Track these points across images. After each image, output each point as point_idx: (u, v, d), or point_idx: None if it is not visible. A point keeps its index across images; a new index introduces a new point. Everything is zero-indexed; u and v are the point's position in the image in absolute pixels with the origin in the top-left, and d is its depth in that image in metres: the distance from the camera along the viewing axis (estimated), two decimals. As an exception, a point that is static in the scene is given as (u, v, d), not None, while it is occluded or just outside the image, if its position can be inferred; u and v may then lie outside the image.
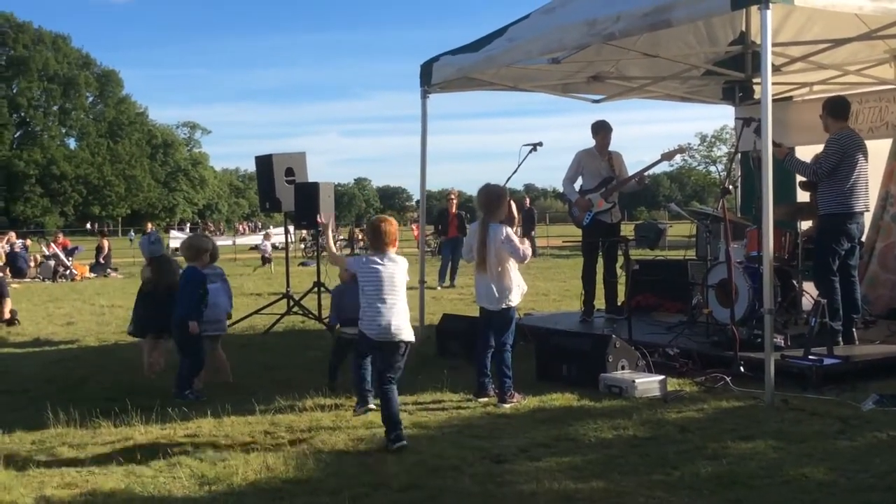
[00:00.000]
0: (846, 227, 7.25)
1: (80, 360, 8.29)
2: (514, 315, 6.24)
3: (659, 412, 5.66)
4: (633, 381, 6.10)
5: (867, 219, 8.16)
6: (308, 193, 10.01)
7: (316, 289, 10.21)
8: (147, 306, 7.14)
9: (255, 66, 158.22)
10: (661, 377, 6.27)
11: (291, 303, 10.32)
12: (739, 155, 11.27)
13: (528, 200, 30.08)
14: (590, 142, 9.32)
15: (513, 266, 6.13)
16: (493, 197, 6.16)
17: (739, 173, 11.23)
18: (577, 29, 7.24)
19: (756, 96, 11.00)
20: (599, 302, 9.46)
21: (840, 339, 7.03)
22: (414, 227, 34.10)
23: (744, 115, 8.05)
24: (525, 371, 6.69)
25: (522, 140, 8.34)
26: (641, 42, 8.91)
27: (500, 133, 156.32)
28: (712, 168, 56.13)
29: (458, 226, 16.53)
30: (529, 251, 6.23)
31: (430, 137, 9.31)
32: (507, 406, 5.93)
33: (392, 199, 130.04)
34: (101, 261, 22.72)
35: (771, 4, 5.78)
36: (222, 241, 30.86)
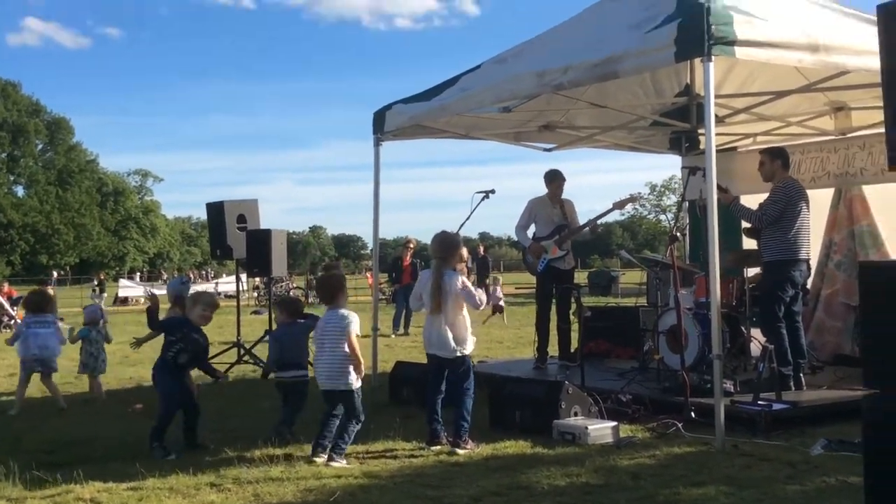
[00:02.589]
0: (790, 273, 7.40)
1: (22, 412, 8.03)
2: (470, 362, 6.22)
3: (612, 459, 5.65)
4: (586, 428, 6.10)
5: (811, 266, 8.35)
6: (260, 240, 9.95)
7: (267, 337, 10.06)
8: None
9: (209, 113, 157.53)
10: (614, 423, 6.27)
11: (242, 351, 10.17)
12: (686, 203, 11.56)
13: (482, 248, 30.22)
14: (541, 189, 9.43)
15: (466, 315, 6.14)
16: (447, 244, 6.19)
17: (687, 221, 11.44)
18: (527, 79, 7.37)
19: (702, 146, 11.28)
20: (553, 349, 9.48)
21: (790, 383, 7.12)
22: (368, 274, 33.99)
23: (690, 165, 8.22)
24: (478, 418, 6.63)
25: (477, 188, 8.46)
26: (590, 92, 9.10)
27: (455, 181, 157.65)
28: (662, 217, 57.41)
29: (412, 273, 16.49)
30: (484, 297, 6.26)
31: (384, 186, 9.36)
32: (462, 452, 5.88)
33: (347, 247, 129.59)
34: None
35: (713, 57, 5.93)
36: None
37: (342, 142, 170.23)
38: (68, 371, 9.50)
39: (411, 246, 17.51)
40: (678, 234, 7.35)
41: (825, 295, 9.51)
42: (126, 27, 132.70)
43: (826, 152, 9.89)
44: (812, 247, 7.92)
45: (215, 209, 10.39)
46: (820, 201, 9.18)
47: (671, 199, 51.06)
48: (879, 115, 9.29)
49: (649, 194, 69.29)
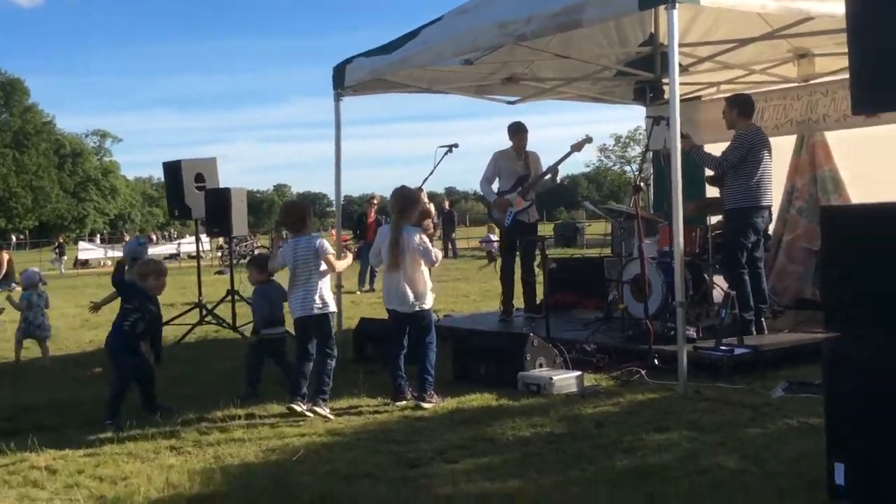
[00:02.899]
0: (752, 220, 7.42)
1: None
2: (431, 316, 6.18)
3: (576, 408, 5.67)
4: (551, 379, 6.10)
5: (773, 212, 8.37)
6: (219, 200, 9.75)
7: (230, 297, 9.94)
8: None
9: (167, 73, 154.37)
10: (578, 373, 6.29)
11: (204, 312, 10.03)
12: (650, 154, 11.54)
13: (447, 203, 30.13)
14: (505, 144, 9.33)
15: (425, 269, 6.08)
16: (406, 200, 6.11)
17: (651, 172, 11.43)
18: (489, 30, 7.24)
19: (666, 96, 11.21)
20: (519, 301, 9.47)
21: (752, 328, 7.18)
22: (332, 231, 33.79)
23: (654, 115, 8.16)
24: (442, 372, 6.61)
25: (440, 142, 8.36)
26: (554, 43, 8.96)
27: (418, 137, 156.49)
28: (627, 168, 57.53)
29: (376, 230, 16.35)
30: (440, 254, 6.17)
31: (347, 143, 9.26)
32: (427, 406, 5.86)
33: (313, 204, 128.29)
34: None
35: (678, 4, 5.85)
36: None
37: (305, 98, 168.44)
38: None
39: (375, 202, 17.36)
40: (642, 184, 7.31)
41: (787, 240, 9.58)
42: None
43: (789, 99, 9.90)
44: (774, 193, 7.92)
45: (172, 168, 10.15)
46: (783, 148, 9.19)
47: (636, 150, 51.35)
48: (842, 62, 9.32)
49: (614, 145, 69.36)
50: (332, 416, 5.67)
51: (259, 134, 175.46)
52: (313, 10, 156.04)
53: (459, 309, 11.80)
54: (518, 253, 9.23)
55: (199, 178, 10.07)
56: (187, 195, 9.94)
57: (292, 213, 6.20)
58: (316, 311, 5.85)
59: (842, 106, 9.41)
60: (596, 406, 5.70)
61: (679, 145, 6.06)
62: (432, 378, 6.05)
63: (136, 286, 6.07)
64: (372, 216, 16.79)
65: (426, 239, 6.09)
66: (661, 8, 8.59)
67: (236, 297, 9.86)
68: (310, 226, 6.12)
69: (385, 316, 6.44)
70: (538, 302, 9.41)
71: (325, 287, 5.92)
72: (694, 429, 5.01)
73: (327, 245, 5.91)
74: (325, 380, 5.83)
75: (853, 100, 3.86)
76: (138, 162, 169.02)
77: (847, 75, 9.19)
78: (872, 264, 3.73)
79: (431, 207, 6.64)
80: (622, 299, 7.85)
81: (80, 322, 11.60)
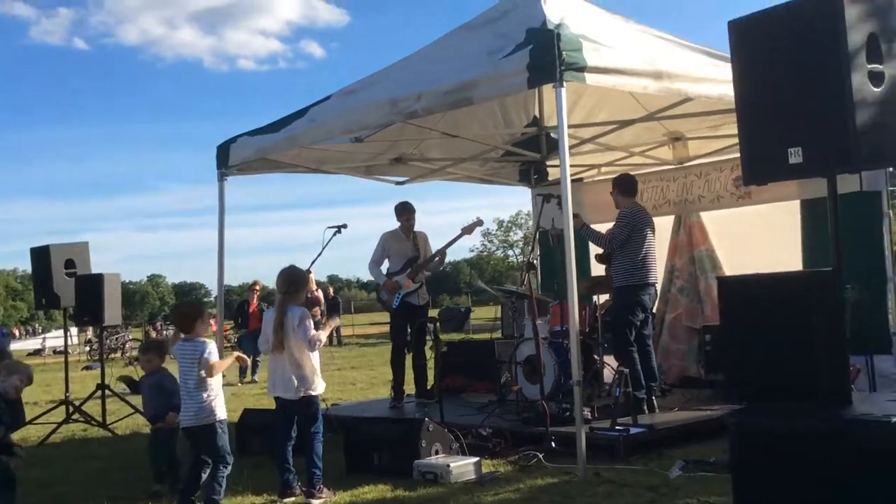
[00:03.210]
0: (640, 297, 7.50)
1: None
2: (319, 404, 5.86)
3: (475, 496, 5.43)
4: (448, 466, 5.85)
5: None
6: (91, 286, 9.17)
7: (100, 392, 9.26)
8: None
9: (37, 160, 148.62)
10: (476, 459, 6.06)
11: (71, 409, 9.29)
12: (538, 234, 11.69)
13: (332, 290, 29.71)
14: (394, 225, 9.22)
15: (314, 353, 5.78)
16: (293, 280, 5.84)
17: (538, 251, 11.55)
18: (379, 108, 7.18)
19: (550, 177, 11.47)
20: (409, 387, 9.23)
21: (644, 407, 7.17)
22: (212, 321, 32.64)
23: (544, 193, 8.24)
24: (333, 464, 6.26)
25: (328, 225, 8.15)
26: (442, 123, 9.04)
27: (303, 224, 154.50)
28: (510, 252, 58.44)
29: (259, 318, 15.85)
30: (323, 337, 5.85)
31: (229, 231, 8.87)
32: (316, 502, 5.50)
33: (189, 294, 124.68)
34: None
35: (565, 83, 5.93)
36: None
37: (183, 186, 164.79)
38: None
39: (257, 289, 16.84)
40: (534, 261, 7.29)
41: (669, 319, 9.75)
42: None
43: (666, 181, 10.25)
44: (658, 272, 8.08)
45: (40, 254, 9.50)
46: (663, 228, 9.44)
47: (518, 234, 52.38)
48: (714, 145, 9.81)
49: (497, 229, 70.56)
50: None
51: (132, 223, 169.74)
52: (191, 96, 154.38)
53: (346, 397, 11.43)
54: (409, 337, 9.03)
55: (70, 263, 9.46)
56: (56, 282, 9.29)
57: (183, 313, 5.77)
58: (203, 422, 5.42)
59: (715, 187, 9.82)
60: (496, 493, 5.47)
61: (571, 223, 6.05)
62: (321, 471, 5.69)
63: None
64: (254, 304, 16.25)
65: (309, 320, 5.78)
66: (548, 88, 9.08)
67: (107, 392, 9.19)
68: (202, 328, 5.60)
69: (271, 406, 6.09)
70: (429, 387, 9.21)
71: (215, 391, 5.49)
72: (597, 512, 4.86)
73: (211, 353, 5.46)
74: (217, 488, 5.40)
75: (744, 173, 3.93)
76: (1, 253, 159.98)
77: (719, 157, 9.74)
78: (771, 333, 3.74)
79: (320, 294, 6.37)
80: (515, 381, 7.73)
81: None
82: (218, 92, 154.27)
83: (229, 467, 5.48)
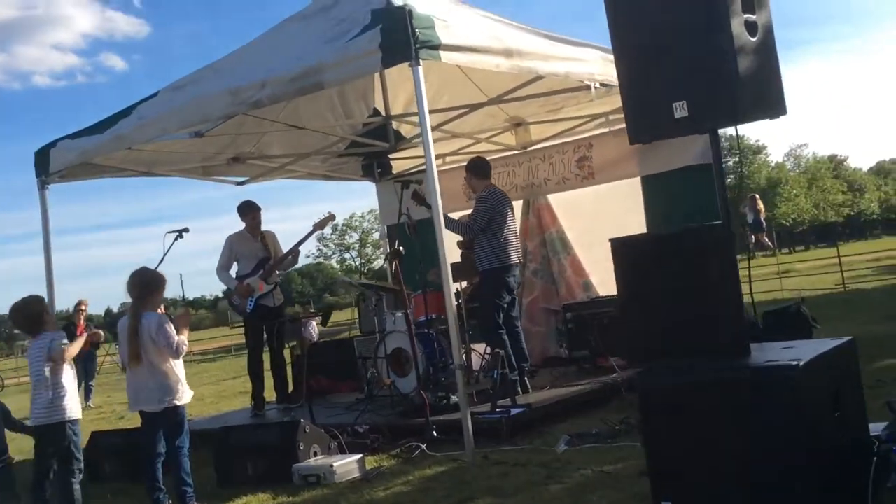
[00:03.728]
0: (505, 279, 7.46)
1: None
2: (185, 414, 5.38)
3: (366, 493, 5.17)
4: (331, 466, 5.55)
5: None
6: None
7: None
8: None
9: None
10: (359, 456, 5.78)
11: None
12: (386, 228, 11.50)
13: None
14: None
15: (177, 360, 5.32)
16: (144, 281, 5.34)
17: (388, 247, 11.36)
18: (220, 99, 6.74)
19: (394, 170, 11.33)
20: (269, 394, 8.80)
21: (517, 388, 7.13)
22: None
23: (403, 180, 8.02)
24: (203, 480, 5.80)
25: (167, 230, 7.51)
26: (283, 116, 8.67)
27: (131, 243, 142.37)
28: (347, 255, 57.48)
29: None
30: (186, 344, 5.39)
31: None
32: (193, 520, 5.05)
33: (3, 324, 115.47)
34: None
35: (421, 61, 5.77)
36: None
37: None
38: None
39: (83, 309, 15.62)
40: (400, 248, 7.07)
41: (526, 303, 9.82)
42: None
43: (511, 166, 10.33)
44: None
45: None
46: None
47: (354, 237, 51.61)
48: (555, 128, 9.98)
49: (332, 233, 69.44)
50: None
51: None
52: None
53: (198, 413, 10.76)
54: (266, 340, 8.61)
55: None
56: None
57: (27, 312, 5.31)
58: (55, 419, 5.07)
59: (559, 169, 9.99)
60: (387, 488, 5.23)
61: (440, 206, 5.90)
62: (192, 488, 5.24)
63: None
64: (81, 325, 15.06)
65: (169, 325, 5.29)
66: (390, 75, 8.91)
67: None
68: (50, 324, 5.29)
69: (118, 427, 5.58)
70: (289, 391, 8.83)
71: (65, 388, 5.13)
72: (497, 495, 4.73)
73: (59, 343, 5.12)
74: (74, 494, 5.02)
75: (630, 131, 3.90)
76: None
77: (561, 140, 9.90)
78: (666, 291, 3.73)
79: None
80: (388, 375, 7.50)
81: None
82: (11, 111, 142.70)
83: (82, 474, 5.14)
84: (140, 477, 5.51)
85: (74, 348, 5.23)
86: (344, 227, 68.86)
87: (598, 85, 7.21)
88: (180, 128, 7.22)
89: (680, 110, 3.68)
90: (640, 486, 4.44)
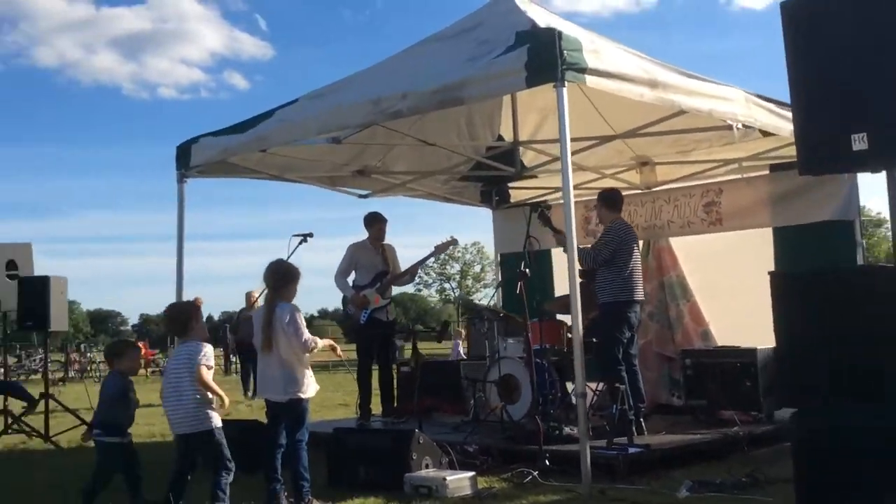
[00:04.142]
0: (627, 314, 7.31)
1: None
2: (307, 408, 5.43)
3: (479, 512, 5.08)
4: (444, 480, 5.48)
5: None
6: (35, 289, 8.52)
7: (42, 401, 8.57)
8: None
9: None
10: (472, 473, 5.71)
11: (10, 420, 8.56)
12: (499, 256, 11.48)
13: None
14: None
15: (303, 352, 5.37)
16: (281, 272, 5.45)
17: (499, 276, 11.34)
18: (361, 108, 6.87)
19: (512, 199, 11.32)
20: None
21: (633, 427, 6.93)
22: (142, 345, 31.44)
23: (531, 204, 7.95)
24: (313, 477, 5.80)
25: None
26: (412, 133, 8.79)
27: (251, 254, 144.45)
28: (447, 285, 56.97)
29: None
30: (316, 342, 5.45)
31: (159, 258, 8.34)
32: (308, 516, 5.07)
33: (105, 322, 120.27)
34: None
35: (566, 83, 5.75)
36: None
37: (99, 212, 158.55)
38: None
39: (198, 305, 16.14)
40: (527, 270, 7.02)
41: (640, 346, 9.57)
42: None
43: (634, 205, 10.15)
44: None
45: (-22, 254, 8.83)
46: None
47: (455, 268, 51.47)
48: (683, 170, 9.78)
49: (434, 262, 69.39)
50: None
51: (44, 249, 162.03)
52: (108, 122, 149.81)
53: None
54: (377, 353, 8.67)
55: (11, 265, 8.80)
56: (-4, 283, 8.62)
57: (177, 315, 5.41)
58: (200, 428, 5.05)
59: (684, 212, 9.78)
60: (499, 509, 5.13)
61: (574, 228, 5.83)
62: (309, 483, 5.27)
63: None
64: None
65: (300, 319, 5.37)
66: (521, 99, 8.91)
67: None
68: (198, 329, 5.24)
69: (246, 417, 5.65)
70: (395, 405, 8.84)
71: (206, 396, 5.09)
72: (618, 528, 4.57)
73: (207, 358, 5.06)
74: (221, 496, 4.97)
75: (800, 162, 3.76)
76: None
77: (689, 183, 9.69)
78: (828, 330, 3.55)
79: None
80: (500, 398, 7.42)
81: None
82: (136, 119, 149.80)
83: (232, 474, 5.07)
84: (254, 467, 5.59)
85: (208, 378, 5.10)
86: (446, 257, 68.98)
87: (740, 126, 7.02)
88: (320, 132, 7.38)
89: (859, 143, 3.53)
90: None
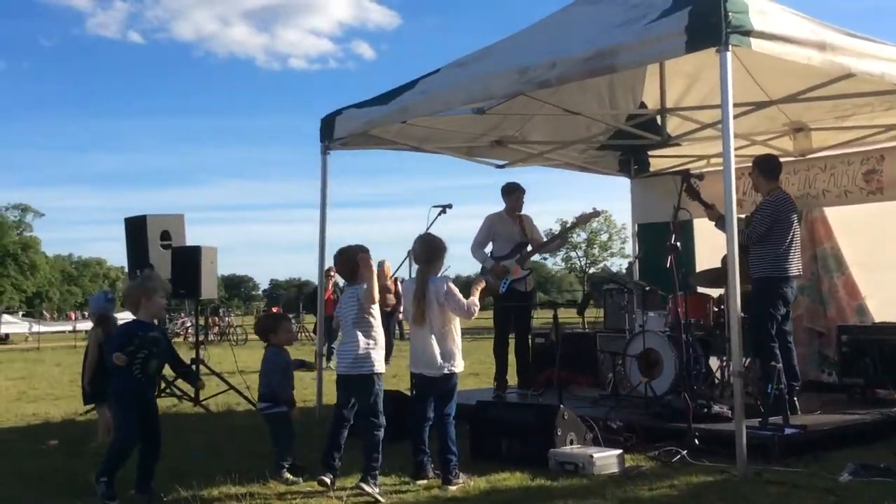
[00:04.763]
0: (782, 290, 6.95)
1: None
2: (457, 382, 5.44)
3: (628, 490, 4.97)
4: (591, 457, 5.39)
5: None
6: (188, 259, 8.89)
7: (193, 366, 8.96)
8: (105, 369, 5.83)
9: (87, 149, 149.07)
10: (619, 451, 5.59)
11: (163, 384, 9.02)
12: (636, 227, 11.17)
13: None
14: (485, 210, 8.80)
15: (457, 327, 5.38)
16: (434, 246, 5.46)
17: (638, 247, 11.04)
18: (506, 77, 6.74)
19: (651, 168, 10.97)
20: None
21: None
22: (274, 310, 32.60)
23: (686, 174, 7.63)
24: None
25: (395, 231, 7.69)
26: (554, 101, 8.59)
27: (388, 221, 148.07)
28: (572, 254, 56.23)
29: (334, 304, 15.65)
30: (477, 305, 5.44)
31: (285, 225, 8.55)
32: (454, 487, 5.09)
33: (238, 287, 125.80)
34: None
35: (731, 47, 5.45)
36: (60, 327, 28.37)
37: (232, 180, 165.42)
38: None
39: (332, 274, 16.55)
40: (678, 243, 6.77)
41: (791, 321, 9.16)
42: (6, 58, 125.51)
43: (786, 174, 9.57)
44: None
45: (136, 224, 9.25)
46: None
47: (581, 236, 50.77)
48: (840, 136, 9.19)
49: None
50: (382, 500, 4.88)
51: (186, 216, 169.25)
52: (242, 92, 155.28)
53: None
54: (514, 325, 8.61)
55: (165, 235, 9.20)
56: (152, 253, 9.03)
57: (347, 260, 5.37)
58: (363, 371, 5.14)
59: (841, 181, 9.22)
60: (651, 489, 5.00)
61: (735, 199, 5.55)
62: (456, 456, 5.28)
63: (122, 328, 5.19)
64: (329, 289, 15.92)
65: (455, 289, 5.37)
66: (670, 65, 8.55)
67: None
68: (362, 275, 5.23)
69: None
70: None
71: (375, 341, 5.20)
72: (782, 513, 4.36)
73: (372, 291, 5.14)
74: (374, 455, 5.02)
75: None
76: (57, 239, 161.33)
77: (846, 150, 9.10)
78: None
79: (390, 283, 5.83)
80: (629, 375, 7.24)
81: (16, 394, 10.40)
82: (269, 89, 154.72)
83: (382, 430, 5.11)
84: (397, 438, 5.65)
85: (374, 290, 5.16)
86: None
87: (915, 89, 6.51)
88: (464, 103, 7.30)
89: None
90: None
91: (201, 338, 23.59)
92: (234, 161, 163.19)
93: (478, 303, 5.36)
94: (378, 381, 5.15)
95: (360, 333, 5.13)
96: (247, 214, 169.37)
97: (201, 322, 28.22)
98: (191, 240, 9.35)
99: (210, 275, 8.92)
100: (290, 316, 32.52)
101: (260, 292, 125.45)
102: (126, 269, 9.91)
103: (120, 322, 6.25)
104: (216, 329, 28.62)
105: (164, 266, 9.04)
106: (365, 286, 5.14)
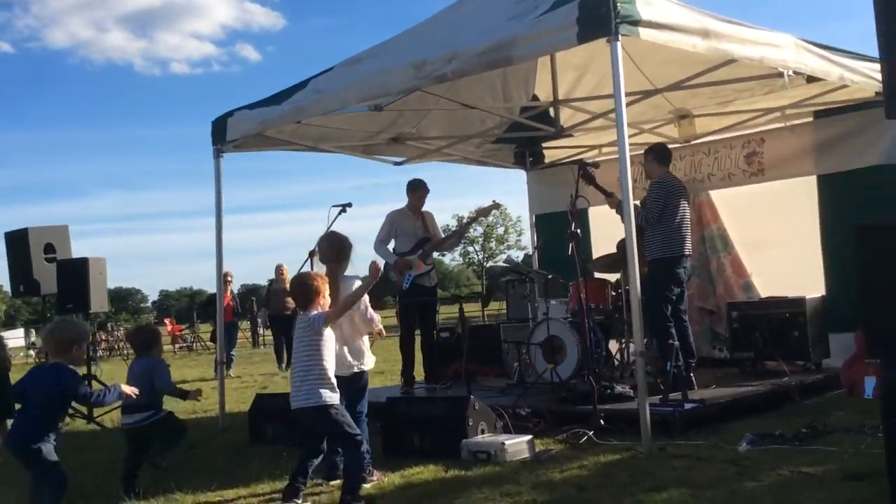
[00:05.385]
0: (675, 271, 7.21)
1: None
2: (367, 380, 5.40)
3: (540, 474, 5.03)
4: (503, 444, 5.45)
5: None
6: (75, 271, 8.51)
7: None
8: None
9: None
10: (529, 437, 5.67)
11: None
12: (534, 217, 11.35)
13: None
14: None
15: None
16: (341, 245, 5.38)
17: (537, 237, 11.21)
18: (402, 73, 6.71)
19: (546, 160, 11.18)
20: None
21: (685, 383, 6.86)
22: (167, 321, 31.64)
23: (582, 164, 7.77)
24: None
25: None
26: (448, 95, 8.63)
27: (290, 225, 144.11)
28: (470, 248, 56.40)
29: (233, 311, 15.37)
30: (377, 317, 5.38)
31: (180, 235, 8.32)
32: (369, 485, 5.04)
33: (125, 300, 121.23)
34: None
35: (620, 36, 5.59)
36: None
37: (112, 192, 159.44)
38: None
39: (229, 279, 16.18)
40: (578, 231, 6.90)
41: (681, 300, 9.49)
42: None
43: (673, 160, 9.91)
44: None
45: (16, 238, 8.77)
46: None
47: (477, 231, 50.97)
48: (722, 122, 9.57)
49: (456, 226, 68.97)
50: None
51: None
52: (121, 100, 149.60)
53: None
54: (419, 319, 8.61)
55: (49, 248, 8.77)
56: (36, 268, 8.60)
57: (302, 288, 5.01)
58: (312, 403, 4.77)
59: (725, 164, 9.60)
60: (562, 471, 5.08)
61: (630, 184, 5.70)
62: (369, 454, 5.22)
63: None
64: (227, 295, 15.56)
65: (367, 300, 5.28)
66: (561, 58, 8.70)
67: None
68: (321, 302, 4.94)
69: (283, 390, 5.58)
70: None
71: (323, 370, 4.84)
72: (687, 486, 4.51)
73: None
74: (362, 465, 4.89)
75: (887, 106, 3.63)
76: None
77: (729, 134, 9.46)
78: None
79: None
80: (546, 360, 7.38)
81: None
82: (149, 96, 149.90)
83: (361, 446, 4.82)
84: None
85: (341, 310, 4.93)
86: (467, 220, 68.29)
87: (791, 73, 6.83)
88: (361, 100, 7.23)
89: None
90: (850, 490, 4.18)
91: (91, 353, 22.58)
92: (121, 171, 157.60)
93: (378, 322, 5.32)
94: (336, 410, 4.79)
95: (310, 364, 4.83)
96: (135, 225, 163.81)
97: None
98: (77, 253, 8.92)
99: (100, 287, 8.56)
100: (184, 326, 31.54)
101: (149, 304, 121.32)
102: (9, 287, 9.38)
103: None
104: (104, 344, 27.50)
105: (50, 280, 8.64)
106: (314, 313, 4.88)
